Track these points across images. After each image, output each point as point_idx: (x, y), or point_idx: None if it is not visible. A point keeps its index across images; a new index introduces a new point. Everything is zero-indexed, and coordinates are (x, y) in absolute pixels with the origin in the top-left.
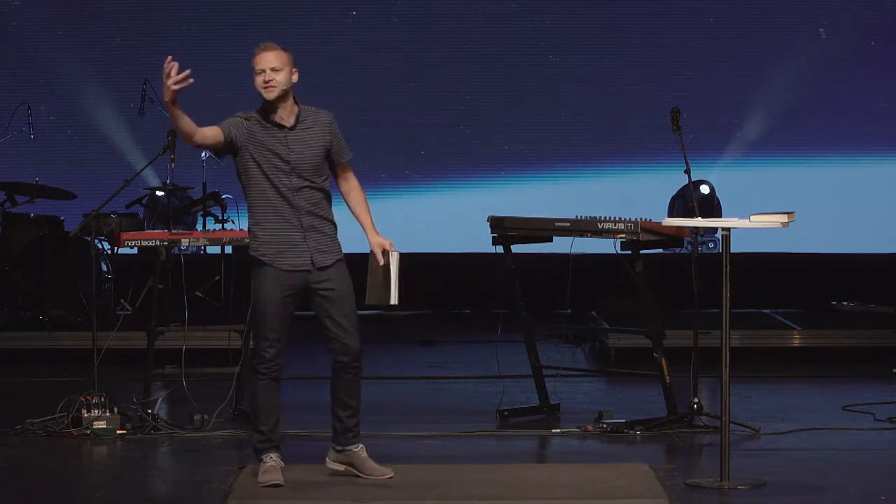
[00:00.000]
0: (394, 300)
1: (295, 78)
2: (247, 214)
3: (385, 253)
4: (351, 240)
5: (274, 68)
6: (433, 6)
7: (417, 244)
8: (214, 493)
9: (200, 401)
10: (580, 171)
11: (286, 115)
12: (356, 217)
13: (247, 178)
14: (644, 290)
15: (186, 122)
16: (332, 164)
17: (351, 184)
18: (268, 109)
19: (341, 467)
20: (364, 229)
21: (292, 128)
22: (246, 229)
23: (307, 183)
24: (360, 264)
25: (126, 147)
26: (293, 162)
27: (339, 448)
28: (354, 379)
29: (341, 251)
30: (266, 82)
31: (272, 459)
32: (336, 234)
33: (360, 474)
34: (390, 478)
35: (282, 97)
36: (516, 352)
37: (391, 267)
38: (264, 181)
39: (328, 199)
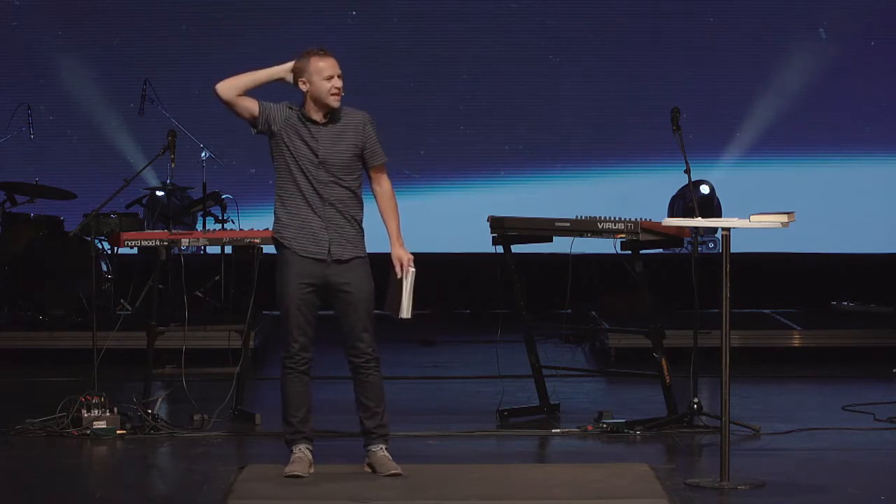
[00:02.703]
0: (405, 314)
1: None
2: (273, 200)
3: (403, 267)
4: (378, 240)
5: (340, 75)
6: (433, 6)
7: (417, 244)
8: (214, 493)
9: (200, 401)
10: (580, 171)
11: (319, 115)
12: (384, 222)
13: (278, 162)
14: (644, 290)
15: (244, 79)
16: (365, 166)
17: (383, 187)
18: (308, 105)
19: (369, 469)
20: (389, 237)
21: (325, 124)
22: (252, 228)
23: (335, 179)
24: (384, 265)
25: (126, 147)
26: (321, 156)
27: (365, 449)
28: (368, 380)
29: (364, 251)
30: (337, 88)
31: (301, 451)
32: (360, 236)
33: (375, 471)
34: (396, 474)
35: None
36: (516, 352)
37: (406, 282)
38: (295, 168)
39: (357, 201)
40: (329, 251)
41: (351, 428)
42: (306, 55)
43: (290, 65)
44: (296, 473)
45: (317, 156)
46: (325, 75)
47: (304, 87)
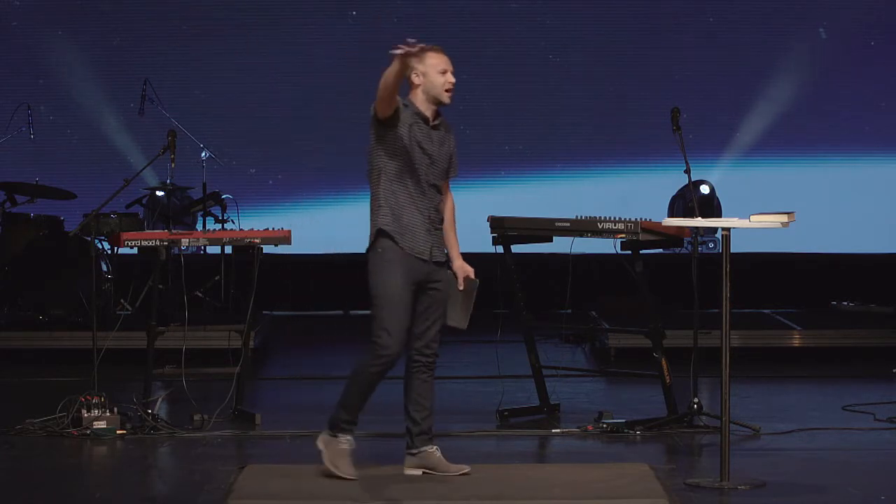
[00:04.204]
0: (465, 323)
1: None
2: (371, 187)
3: (466, 278)
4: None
5: (454, 72)
6: (433, 6)
7: None
8: (214, 493)
9: (200, 401)
10: (580, 171)
11: (430, 112)
12: (444, 233)
13: (390, 157)
14: (644, 290)
15: (389, 91)
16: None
17: (450, 199)
18: (417, 101)
19: (418, 471)
20: (450, 249)
21: (433, 126)
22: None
23: (437, 182)
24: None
25: (126, 147)
26: (433, 157)
27: (414, 451)
28: (429, 380)
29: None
30: (451, 84)
31: (349, 443)
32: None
33: (437, 474)
34: (466, 473)
35: None
36: (516, 352)
37: (470, 293)
38: (407, 165)
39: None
40: (431, 252)
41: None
42: (420, 50)
43: (396, 57)
44: (351, 476)
45: (430, 156)
46: (439, 69)
47: (416, 81)
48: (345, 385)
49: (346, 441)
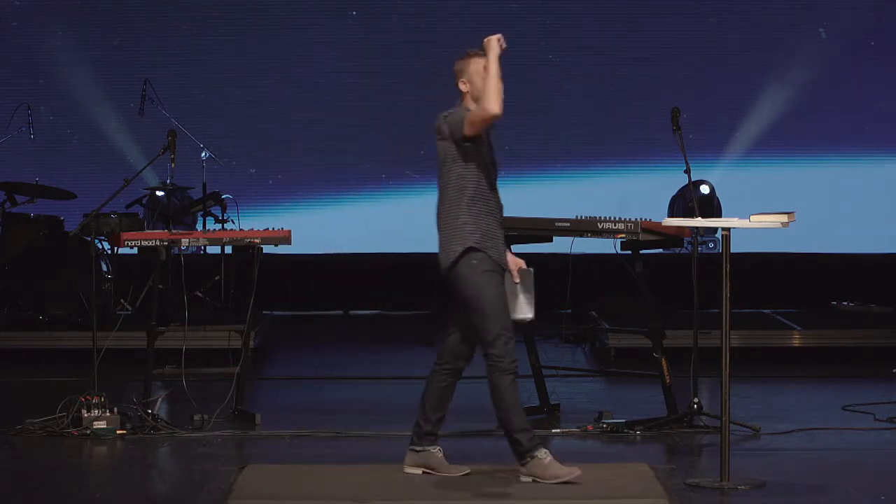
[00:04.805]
0: (532, 314)
1: None
2: (448, 203)
3: (519, 270)
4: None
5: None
6: (433, 6)
7: (417, 244)
8: (214, 493)
9: (200, 401)
10: (580, 171)
11: None
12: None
13: (468, 170)
14: (644, 290)
15: (500, 87)
16: None
17: None
18: (471, 108)
19: (418, 470)
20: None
21: (489, 129)
22: (252, 228)
23: (496, 184)
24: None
25: (126, 147)
26: (495, 161)
27: (418, 449)
28: (455, 385)
29: None
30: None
31: (548, 455)
32: None
33: (437, 474)
34: (467, 474)
35: None
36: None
37: (528, 283)
38: (483, 175)
39: None
40: (504, 258)
41: (362, 429)
42: (466, 56)
43: (493, 48)
44: (577, 475)
45: (493, 161)
46: (483, 74)
47: (464, 88)
48: (498, 413)
49: (543, 454)
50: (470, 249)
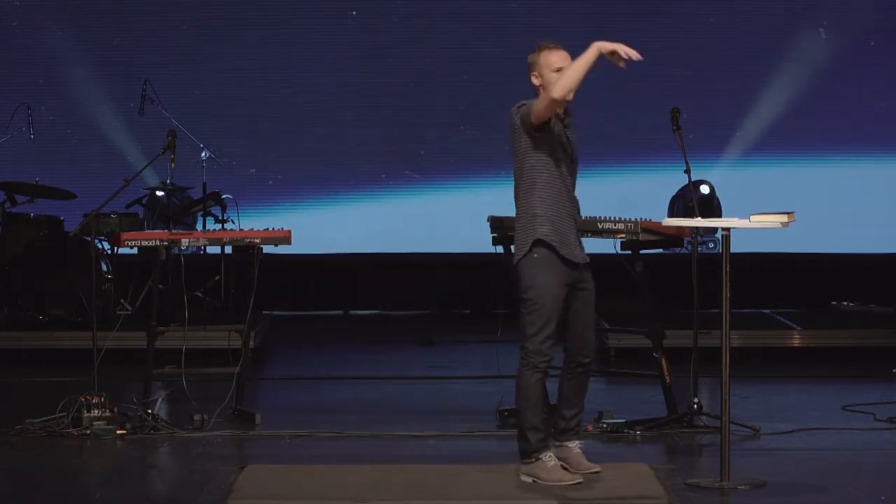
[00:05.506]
0: None
1: None
2: (522, 195)
3: None
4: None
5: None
6: (433, 6)
7: (417, 244)
8: (214, 493)
9: (200, 401)
10: (580, 171)
11: (561, 109)
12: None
13: (541, 163)
14: (644, 290)
15: (576, 79)
16: None
17: None
18: None
19: (555, 462)
20: None
21: (566, 124)
22: (252, 228)
23: (574, 179)
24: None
25: (126, 147)
26: (572, 153)
27: (557, 444)
28: (585, 380)
29: None
30: None
31: (553, 458)
32: None
33: (570, 469)
34: (598, 472)
35: None
36: (516, 352)
37: None
38: (556, 167)
39: None
40: (582, 255)
41: (362, 429)
42: (538, 49)
43: (596, 44)
44: (578, 481)
45: (570, 155)
46: (555, 68)
47: (536, 82)
48: (517, 407)
49: (548, 457)
50: (537, 242)
